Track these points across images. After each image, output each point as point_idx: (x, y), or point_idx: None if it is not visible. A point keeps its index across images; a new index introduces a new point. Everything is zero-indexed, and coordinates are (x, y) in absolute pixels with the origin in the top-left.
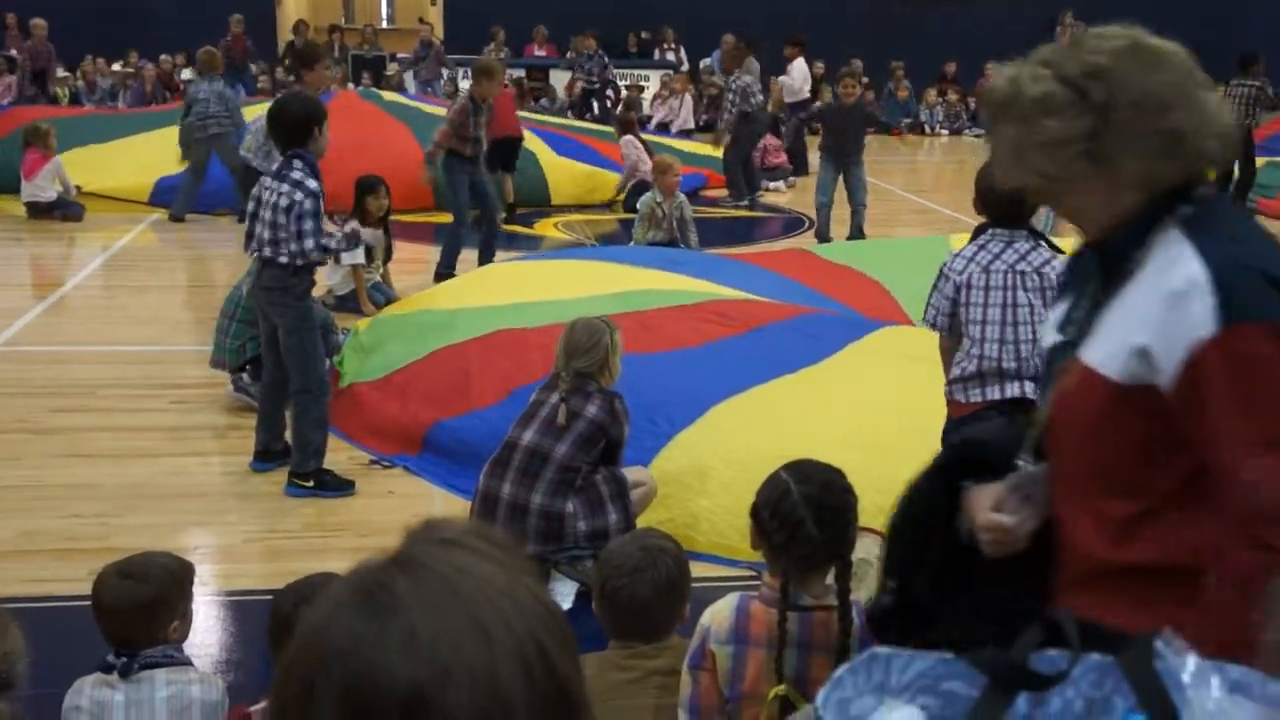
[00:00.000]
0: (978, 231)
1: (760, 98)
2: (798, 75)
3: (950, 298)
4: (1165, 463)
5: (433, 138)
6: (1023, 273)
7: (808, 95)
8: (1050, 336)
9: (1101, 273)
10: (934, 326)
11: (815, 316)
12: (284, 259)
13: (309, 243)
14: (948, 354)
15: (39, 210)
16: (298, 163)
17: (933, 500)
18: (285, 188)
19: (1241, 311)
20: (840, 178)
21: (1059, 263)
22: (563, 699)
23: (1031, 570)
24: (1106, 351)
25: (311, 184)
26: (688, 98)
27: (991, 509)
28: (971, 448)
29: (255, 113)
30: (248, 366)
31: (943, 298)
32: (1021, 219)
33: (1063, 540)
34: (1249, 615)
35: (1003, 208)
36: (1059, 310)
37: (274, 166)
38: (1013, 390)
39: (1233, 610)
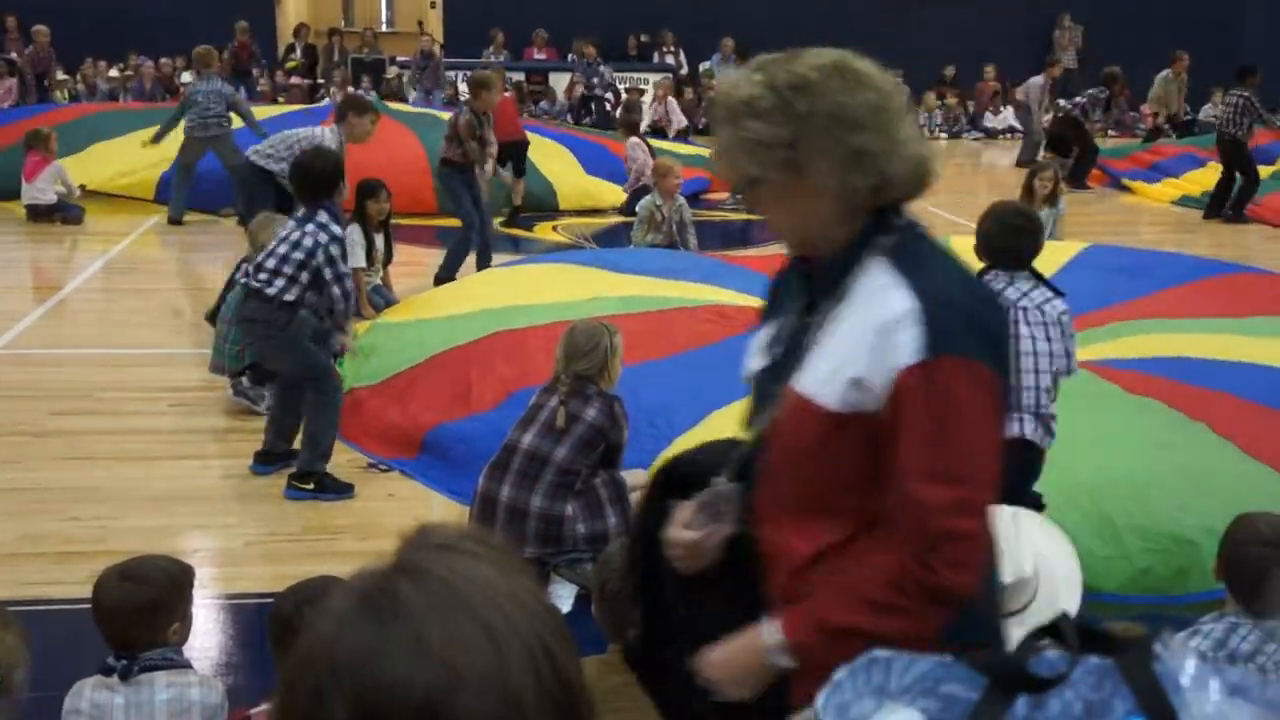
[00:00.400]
0: (979, 275)
1: None
2: None
3: None
4: (871, 491)
5: (440, 152)
6: (1025, 309)
7: None
8: (758, 358)
9: (807, 294)
10: None
11: None
12: (271, 292)
13: (336, 290)
14: None
15: (39, 213)
16: (323, 212)
17: (647, 519)
18: (310, 228)
19: (942, 345)
20: None
21: (1060, 303)
22: (570, 700)
23: (734, 585)
24: (820, 380)
25: (336, 229)
26: (671, 101)
27: (681, 526)
28: (682, 465)
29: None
30: (248, 371)
31: None
32: (1021, 263)
33: (770, 558)
34: (883, 622)
35: (1003, 252)
36: (764, 331)
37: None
38: (1012, 429)
39: (865, 610)
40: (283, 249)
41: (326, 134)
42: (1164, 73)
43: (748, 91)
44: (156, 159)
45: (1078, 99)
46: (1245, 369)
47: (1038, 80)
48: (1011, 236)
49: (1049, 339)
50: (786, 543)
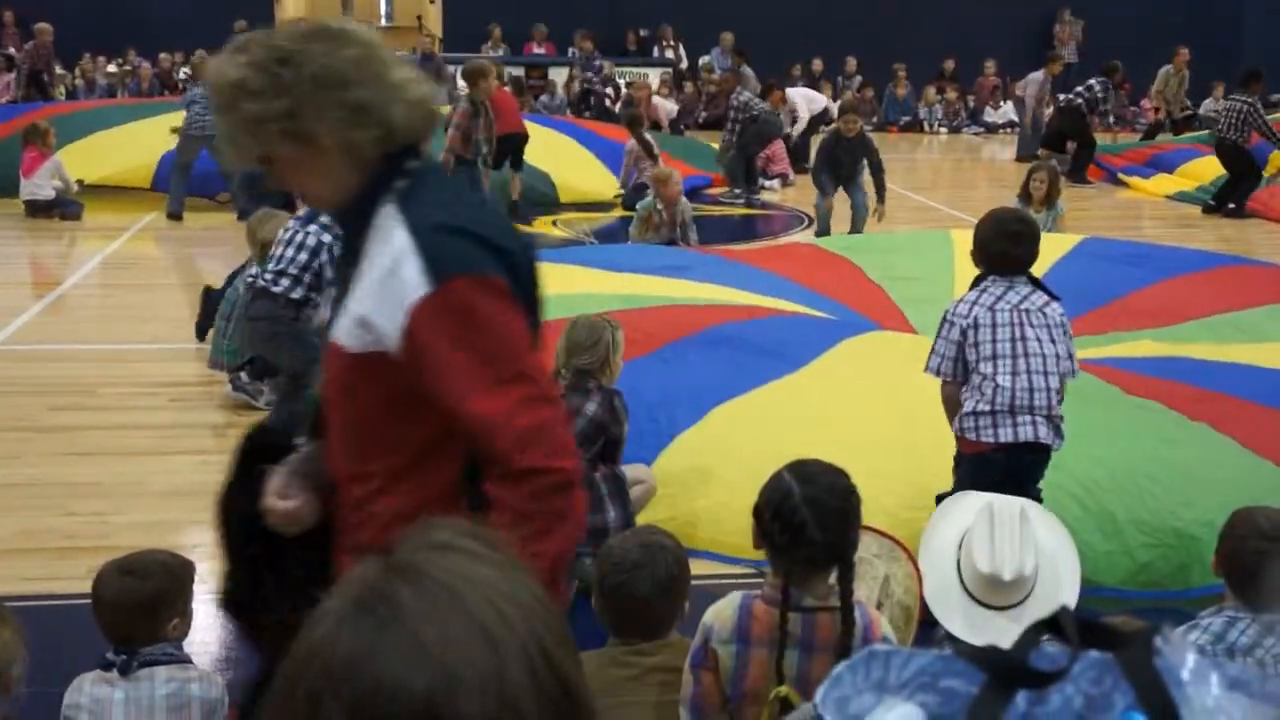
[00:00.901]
0: (977, 281)
1: (763, 105)
2: (801, 104)
3: (956, 341)
4: (416, 419)
5: (444, 145)
6: (1028, 311)
7: (807, 117)
8: (330, 317)
9: (346, 252)
10: (938, 373)
11: (811, 320)
12: (277, 290)
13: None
14: (951, 402)
15: (37, 209)
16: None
17: (238, 488)
18: (313, 228)
19: (446, 268)
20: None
21: (1059, 305)
22: (567, 698)
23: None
24: (344, 327)
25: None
26: (657, 99)
27: (276, 494)
28: (262, 434)
29: None
30: (246, 366)
31: (948, 343)
32: (1019, 268)
33: (343, 504)
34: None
35: (1000, 257)
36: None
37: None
38: (1025, 432)
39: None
40: (289, 251)
41: None
42: (1165, 68)
43: (236, 74)
44: (153, 147)
45: (1079, 89)
46: (1245, 370)
47: (1037, 76)
48: (1008, 242)
49: (1054, 340)
50: (347, 485)
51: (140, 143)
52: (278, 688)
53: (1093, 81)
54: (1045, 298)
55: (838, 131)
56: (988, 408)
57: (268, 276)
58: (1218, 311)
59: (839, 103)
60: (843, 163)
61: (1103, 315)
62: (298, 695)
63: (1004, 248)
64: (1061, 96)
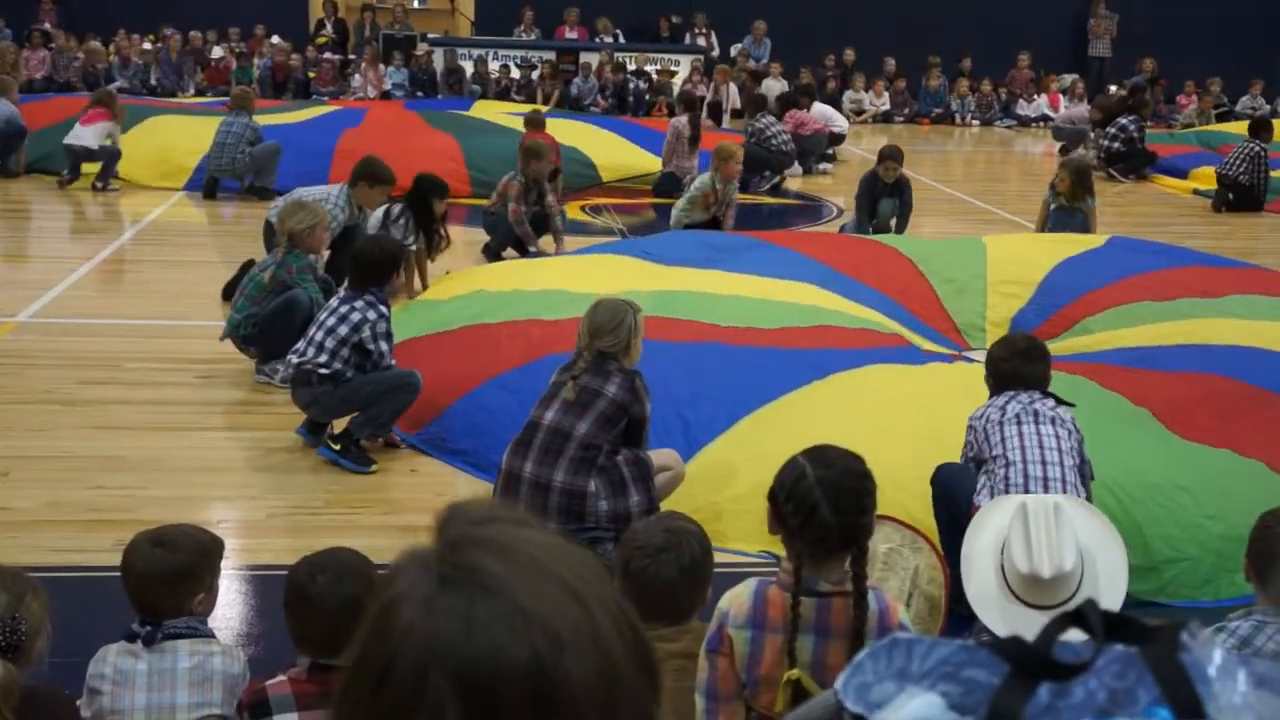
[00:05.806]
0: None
1: (783, 136)
2: (819, 117)
3: (971, 442)
4: None
5: (497, 209)
6: (1038, 410)
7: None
8: None
9: None
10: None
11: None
12: (323, 373)
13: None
14: None
15: (78, 154)
16: (370, 294)
17: None
18: (359, 304)
19: None
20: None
21: (1069, 412)
22: (643, 650)
23: None
24: None
25: (382, 308)
26: (732, 86)
27: None
28: None
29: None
30: (252, 347)
31: (967, 445)
32: (1033, 386)
33: None
34: None
35: (1013, 377)
36: None
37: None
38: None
39: None
40: (330, 320)
41: (338, 196)
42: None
43: None
44: (191, 151)
45: (1112, 131)
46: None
47: (1081, 112)
48: (1020, 361)
49: (1067, 435)
50: None
51: (178, 145)
52: (363, 681)
53: (1124, 122)
54: (1056, 402)
55: (876, 174)
56: (1002, 487)
57: (310, 353)
58: (1230, 293)
59: (880, 150)
60: (881, 201)
61: (1112, 289)
62: (398, 675)
63: (1016, 366)
64: (1094, 147)
